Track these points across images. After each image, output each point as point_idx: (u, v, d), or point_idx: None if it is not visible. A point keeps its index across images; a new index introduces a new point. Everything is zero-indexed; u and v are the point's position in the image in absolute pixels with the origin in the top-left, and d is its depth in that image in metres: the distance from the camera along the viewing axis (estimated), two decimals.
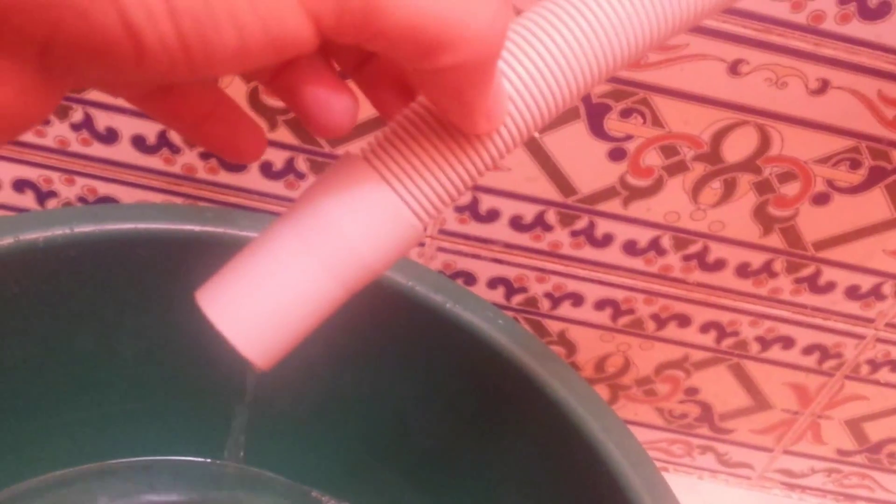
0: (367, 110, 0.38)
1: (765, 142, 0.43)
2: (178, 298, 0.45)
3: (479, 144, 0.21)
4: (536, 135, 0.43)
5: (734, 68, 0.40)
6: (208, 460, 0.52)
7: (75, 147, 0.45)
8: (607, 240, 0.47)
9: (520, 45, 0.20)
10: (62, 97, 0.17)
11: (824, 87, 0.41)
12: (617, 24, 0.21)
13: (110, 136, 0.45)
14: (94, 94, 0.43)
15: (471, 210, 0.47)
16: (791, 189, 0.45)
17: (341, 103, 0.20)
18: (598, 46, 0.21)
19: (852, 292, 0.49)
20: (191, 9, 0.14)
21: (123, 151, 0.45)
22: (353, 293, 0.21)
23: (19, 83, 0.16)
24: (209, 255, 0.44)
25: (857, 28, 0.39)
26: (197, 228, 0.44)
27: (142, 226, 0.43)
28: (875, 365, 0.53)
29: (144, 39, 0.15)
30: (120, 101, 0.43)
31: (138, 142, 0.45)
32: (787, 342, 0.52)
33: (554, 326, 0.52)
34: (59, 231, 0.41)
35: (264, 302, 0.20)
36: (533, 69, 0.20)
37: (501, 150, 0.21)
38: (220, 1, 0.15)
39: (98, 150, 0.45)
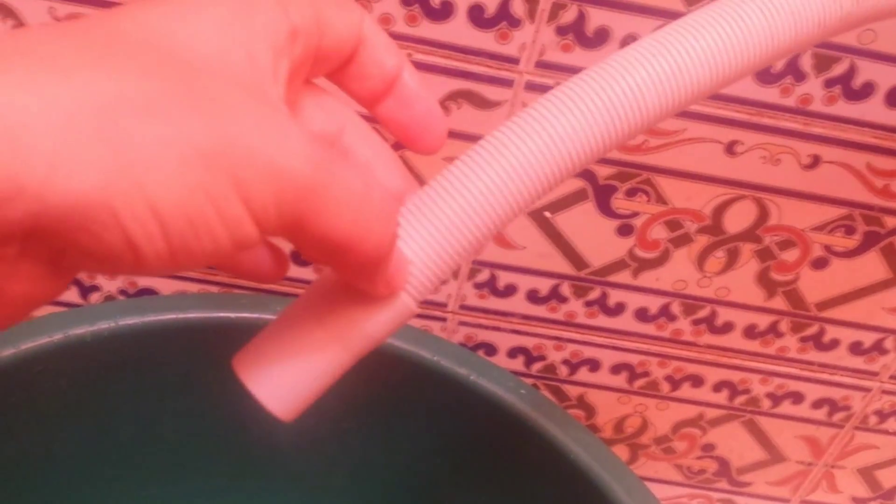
0: None
1: (763, 213, 0.45)
2: (217, 382, 0.48)
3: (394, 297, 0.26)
4: (548, 214, 0.46)
5: (730, 149, 0.43)
6: None
7: None
8: (620, 308, 0.50)
9: (419, 210, 0.25)
10: (69, 282, 0.21)
11: (816, 162, 0.43)
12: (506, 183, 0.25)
13: None
14: None
15: (489, 286, 0.49)
16: (791, 255, 0.47)
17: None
18: (495, 202, 0.25)
19: (856, 348, 0.51)
20: (180, 231, 0.19)
21: None
22: (361, 357, 0.26)
23: (33, 278, 0.20)
24: (246, 340, 0.47)
25: (843, 108, 0.42)
26: (233, 315, 0.46)
27: (181, 315, 0.46)
28: (882, 415, 0.55)
29: (143, 254, 0.19)
30: None
31: None
32: (797, 397, 0.54)
33: (573, 391, 0.55)
34: (104, 325, 0.44)
35: (289, 372, 0.25)
36: (429, 232, 0.25)
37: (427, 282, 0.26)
38: (201, 222, 0.19)
39: None
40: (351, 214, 0.21)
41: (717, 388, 0.54)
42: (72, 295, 0.50)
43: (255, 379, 0.25)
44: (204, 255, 0.19)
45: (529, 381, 0.54)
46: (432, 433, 0.48)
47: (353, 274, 0.23)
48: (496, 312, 0.51)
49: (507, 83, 0.41)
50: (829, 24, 0.27)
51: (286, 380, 0.25)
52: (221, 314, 0.46)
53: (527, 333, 0.52)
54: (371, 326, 0.25)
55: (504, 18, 0.40)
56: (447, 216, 0.24)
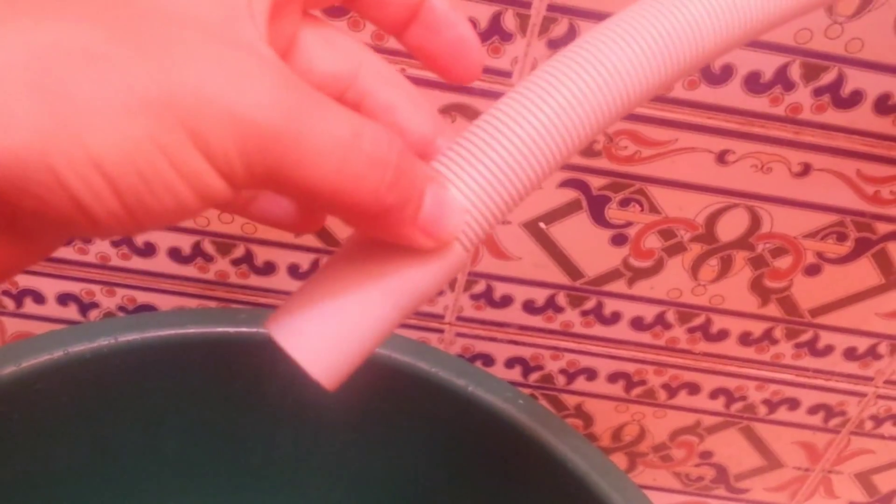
0: None
1: (755, 221, 0.46)
2: (217, 396, 0.49)
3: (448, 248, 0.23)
4: (543, 225, 0.47)
5: (721, 158, 0.44)
6: None
7: (116, 261, 0.48)
8: (615, 317, 0.50)
9: (468, 149, 0.23)
10: (44, 246, 0.20)
11: (807, 170, 0.44)
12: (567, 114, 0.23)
13: (148, 250, 0.48)
14: None
15: (485, 297, 0.50)
16: (784, 262, 0.48)
17: None
18: (549, 140, 0.23)
19: (850, 353, 0.52)
20: (132, 187, 0.17)
21: (160, 263, 0.48)
22: (409, 316, 0.24)
23: None
24: (244, 354, 0.47)
25: (833, 116, 0.42)
26: (231, 330, 0.47)
27: (180, 331, 0.46)
28: (878, 420, 0.55)
29: (95, 214, 0.17)
30: None
31: (174, 253, 0.48)
32: (793, 403, 0.54)
33: (570, 400, 0.55)
34: (104, 342, 0.45)
35: (331, 330, 0.22)
36: (481, 172, 0.23)
37: (469, 245, 0.23)
38: (155, 177, 0.17)
39: (137, 262, 0.48)
40: (334, 164, 0.19)
41: (714, 395, 0.54)
42: (71, 312, 0.51)
43: (295, 341, 0.22)
44: (168, 213, 0.18)
45: (527, 391, 0.54)
46: (431, 444, 0.48)
47: (369, 227, 0.21)
48: (493, 323, 0.51)
49: (499, 96, 0.42)
50: None
51: (329, 341, 0.22)
52: (220, 329, 0.47)
53: (524, 344, 0.52)
54: (420, 278, 0.23)
55: (496, 33, 0.40)
56: (500, 155, 0.22)
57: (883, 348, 0.52)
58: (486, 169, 0.23)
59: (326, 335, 0.22)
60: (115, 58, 0.17)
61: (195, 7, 0.19)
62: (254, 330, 0.47)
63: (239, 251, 0.48)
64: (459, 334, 0.52)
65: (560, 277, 0.49)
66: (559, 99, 0.22)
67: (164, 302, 0.50)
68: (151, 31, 0.18)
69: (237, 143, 0.18)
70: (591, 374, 0.53)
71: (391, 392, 0.48)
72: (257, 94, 0.18)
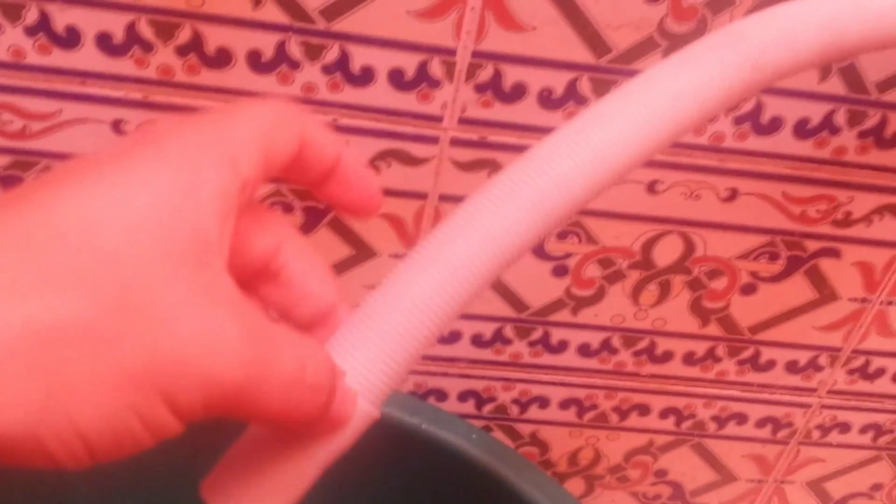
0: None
1: (689, 246, 0.47)
2: (170, 459, 0.49)
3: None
4: None
5: (651, 188, 0.45)
6: None
7: None
8: (562, 346, 0.52)
9: (364, 322, 0.26)
10: None
11: (734, 194, 0.45)
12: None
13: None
14: None
15: None
16: (720, 284, 0.49)
17: None
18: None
19: (792, 367, 0.53)
20: (105, 444, 0.19)
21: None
22: (327, 468, 0.27)
23: None
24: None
25: (755, 142, 0.44)
26: None
27: None
28: (824, 429, 0.57)
29: (63, 464, 0.19)
30: None
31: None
32: (741, 418, 0.56)
33: (525, 429, 0.56)
34: None
35: (256, 490, 0.25)
36: (375, 344, 0.26)
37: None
38: (125, 433, 0.19)
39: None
40: (282, 396, 0.22)
41: (664, 414, 0.55)
42: None
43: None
44: (125, 455, 0.20)
45: (482, 422, 0.55)
46: (386, 483, 0.49)
47: (292, 430, 0.25)
48: (443, 359, 0.52)
49: (432, 140, 0.43)
50: (734, 95, 0.29)
51: (256, 500, 0.25)
52: None
53: (475, 377, 0.53)
54: (335, 441, 0.26)
55: (424, 80, 0.41)
56: (391, 325, 0.25)
57: (823, 360, 0.53)
58: (380, 339, 0.25)
59: (254, 497, 0.25)
60: (108, 334, 0.19)
61: (175, 250, 0.20)
62: None
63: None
64: (411, 371, 0.52)
65: (505, 310, 0.50)
66: (440, 267, 0.25)
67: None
68: (138, 297, 0.19)
69: (204, 398, 0.20)
70: (543, 402, 0.54)
71: None
72: (228, 354, 0.20)
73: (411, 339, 0.25)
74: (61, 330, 0.18)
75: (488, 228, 0.26)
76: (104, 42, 0.39)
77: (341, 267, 0.48)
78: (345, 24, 0.40)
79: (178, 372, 0.19)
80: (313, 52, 0.40)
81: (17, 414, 0.18)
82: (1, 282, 0.18)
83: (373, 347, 0.25)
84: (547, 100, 0.42)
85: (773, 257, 0.48)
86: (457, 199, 0.42)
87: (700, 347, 0.52)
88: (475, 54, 0.41)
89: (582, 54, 0.41)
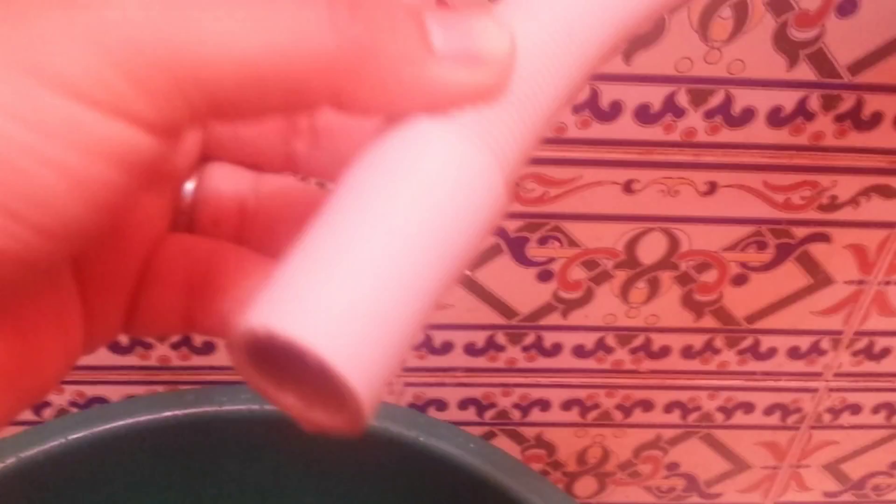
0: None
1: (673, 242, 0.47)
2: (173, 480, 0.50)
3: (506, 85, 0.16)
4: (467, 272, 0.47)
5: (628, 187, 0.44)
6: None
7: None
8: (557, 349, 0.51)
9: None
10: (32, 339, 0.17)
11: (713, 188, 0.45)
12: None
13: None
14: None
15: (426, 346, 0.50)
16: (710, 276, 0.48)
17: None
18: None
19: (794, 353, 0.52)
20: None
21: (102, 356, 0.49)
22: (456, 277, 0.16)
23: None
24: (196, 434, 0.48)
25: (728, 134, 0.43)
26: (180, 412, 0.47)
27: (130, 420, 0.47)
28: (835, 412, 0.56)
29: None
30: None
31: (113, 345, 0.49)
32: (748, 407, 0.55)
33: (529, 432, 0.56)
34: (54, 442, 0.45)
35: (363, 301, 0.14)
36: None
37: (549, 79, 0.17)
38: (14, 152, 0.13)
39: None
40: (258, 11, 0.14)
41: (669, 409, 0.55)
42: (24, 413, 0.52)
43: (295, 320, 0.14)
44: (67, 197, 0.13)
45: (485, 428, 0.55)
46: (389, 499, 0.49)
47: (370, 97, 0.15)
48: (439, 369, 0.52)
49: None
50: None
51: (358, 325, 0.14)
52: (168, 413, 0.47)
53: (473, 385, 0.53)
54: (456, 202, 0.16)
55: None
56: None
57: (826, 343, 0.52)
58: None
59: (357, 318, 0.14)
60: None
61: None
62: (201, 409, 0.47)
63: (175, 335, 0.49)
64: (409, 384, 0.52)
65: (495, 318, 0.50)
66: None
67: (113, 392, 0.51)
68: None
69: (106, 57, 0.13)
70: (544, 405, 0.54)
71: (346, 452, 0.49)
72: (114, 4, 0.13)
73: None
74: None
75: None
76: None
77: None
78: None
79: (38, 33, 0.13)
80: None
81: None
82: None
83: None
84: None
85: (762, 246, 0.47)
86: None
87: (697, 340, 0.51)
88: None
89: None
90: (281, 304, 0.14)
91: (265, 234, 0.21)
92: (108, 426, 0.47)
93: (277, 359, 0.14)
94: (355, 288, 0.14)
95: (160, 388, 0.52)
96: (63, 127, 0.13)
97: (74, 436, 0.46)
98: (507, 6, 0.17)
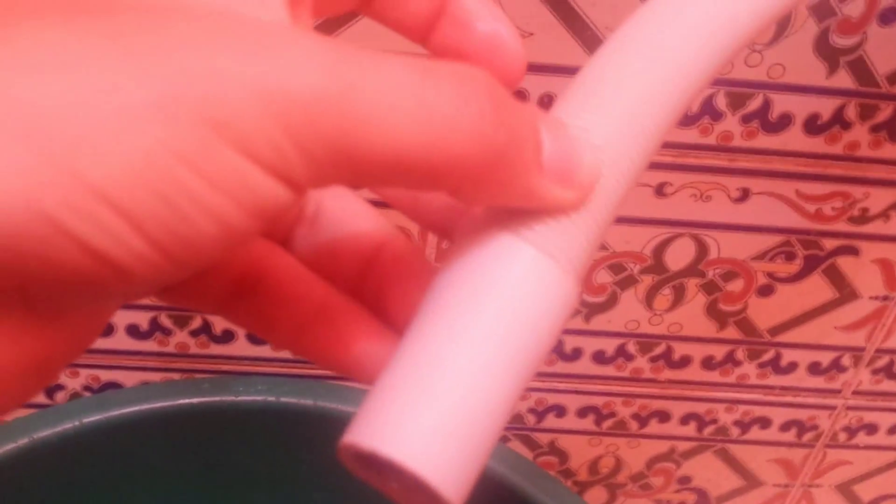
0: None
1: (702, 249, 0.46)
2: (185, 468, 0.49)
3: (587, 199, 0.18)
4: None
5: (660, 190, 0.44)
6: None
7: None
8: (577, 353, 0.51)
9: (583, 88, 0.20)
10: (82, 330, 0.16)
11: (745, 195, 0.44)
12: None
13: (106, 329, 0.48)
14: None
15: None
16: (736, 286, 0.48)
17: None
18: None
19: (815, 368, 0.52)
20: (155, 216, 0.14)
21: (120, 341, 0.49)
22: (530, 378, 0.18)
23: (11, 334, 0.15)
24: (211, 423, 0.47)
25: (764, 140, 0.43)
26: (196, 401, 0.47)
27: (145, 406, 0.46)
28: (851, 431, 0.55)
29: (119, 262, 0.14)
30: None
31: (132, 330, 0.49)
32: (764, 422, 0.55)
33: (543, 438, 0.55)
34: (69, 425, 0.45)
35: (451, 418, 0.17)
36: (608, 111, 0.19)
37: (618, 187, 0.19)
38: (181, 196, 0.14)
39: (97, 342, 0.49)
40: (411, 105, 0.15)
41: (685, 420, 0.54)
42: (37, 396, 0.51)
43: (396, 443, 0.16)
44: (212, 241, 0.14)
45: None
46: None
47: (485, 191, 0.17)
48: None
49: None
50: None
51: (443, 433, 0.16)
52: (184, 401, 0.47)
53: None
54: (531, 311, 0.18)
55: None
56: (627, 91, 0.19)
57: (847, 360, 0.52)
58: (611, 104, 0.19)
59: (446, 433, 0.17)
60: (92, 58, 0.13)
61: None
62: (217, 399, 0.47)
63: (196, 322, 0.49)
64: None
65: None
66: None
67: (128, 378, 0.51)
68: (139, 27, 0.14)
69: (280, 122, 0.14)
70: (560, 411, 0.54)
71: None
72: (290, 61, 0.14)
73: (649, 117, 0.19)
74: (27, 63, 0.13)
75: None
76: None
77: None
78: None
79: (224, 89, 0.13)
80: None
81: (5, 185, 0.12)
82: None
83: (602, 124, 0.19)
84: None
85: (790, 257, 0.47)
86: None
87: (719, 351, 0.51)
88: None
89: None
90: (381, 426, 0.17)
91: (367, 283, 0.21)
92: (122, 411, 0.46)
93: (381, 461, 0.17)
94: (446, 409, 0.17)
95: (176, 376, 0.51)
96: (233, 183, 0.14)
97: (89, 419, 0.45)
98: (580, 99, 0.19)
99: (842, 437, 0.56)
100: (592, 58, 0.21)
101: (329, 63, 0.14)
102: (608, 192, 0.18)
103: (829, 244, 0.47)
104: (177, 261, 0.14)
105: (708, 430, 0.55)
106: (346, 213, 0.21)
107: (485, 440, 0.17)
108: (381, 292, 0.21)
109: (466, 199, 0.18)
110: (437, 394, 0.17)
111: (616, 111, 0.19)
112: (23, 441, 0.44)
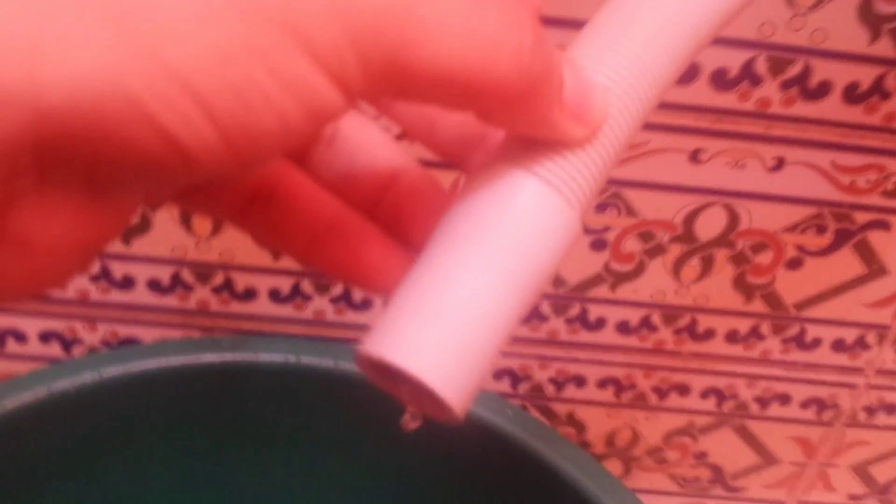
0: None
1: (733, 218, 0.46)
2: (203, 426, 0.48)
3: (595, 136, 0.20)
4: None
5: (694, 156, 0.44)
6: None
7: (95, 296, 0.48)
8: (601, 323, 0.50)
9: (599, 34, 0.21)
10: (125, 212, 0.17)
11: (780, 164, 0.44)
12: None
13: (127, 283, 0.48)
14: (110, 247, 0.46)
15: None
16: (765, 258, 0.48)
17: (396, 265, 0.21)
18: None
19: (839, 345, 0.52)
20: (228, 107, 0.14)
21: (140, 295, 0.48)
22: (532, 304, 0.20)
23: (70, 213, 0.16)
24: (230, 382, 0.47)
25: (802, 108, 0.42)
26: (215, 359, 0.46)
27: (164, 362, 0.46)
28: (871, 411, 0.55)
29: (188, 148, 0.15)
30: (134, 250, 0.46)
31: (154, 285, 0.48)
32: (785, 399, 0.54)
33: (561, 409, 0.55)
34: (88, 378, 0.44)
35: (455, 335, 0.18)
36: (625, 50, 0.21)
37: (623, 127, 0.20)
38: (252, 91, 0.15)
39: (116, 296, 0.48)
40: (461, 28, 0.16)
41: (705, 395, 0.54)
42: (54, 350, 0.50)
43: (419, 360, 0.18)
44: (270, 138, 0.15)
45: (517, 401, 0.54)
46: (423, 461, 0.48)
47: (511, 117, 0.18)
48: None
49: None
50: None
51: (458, 353, 0.18)
52: (203, 359, 0.46)
53: (511, 354, 0.52)
54: (534, 241, 0.19)
55: None
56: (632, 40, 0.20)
57: (871, 338, 0.52)
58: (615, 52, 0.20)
59: (448, 341, 0.18)
60: None
61: None
62: (237, 358, 0.46)
63: (218, 279, 0.48)
64: None
65: None
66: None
67: (147, 334, 0.50)
68: None
69: (346, 31, 0.15)
70: (580, 382, 0.53)
71: (380, 411, 0.48)
72: None
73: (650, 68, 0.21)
74: None
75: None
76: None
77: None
78: None
79: None
80: None
81: (93, 59, 0.13)
82: None
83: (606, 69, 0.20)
84: None
85: (821, 230, 0.47)
86: None
87: (743, 325, 0.51)
88: None
89: None
90: (393, 338, 0.19)
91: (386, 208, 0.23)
92: (142, 366, 0.45)
93: (393, 369, 0.18)
94: (450, 324, 0.18)
95: (195, 334, 0.50)
96: (298, 84, 0.15)
97: (108, 373, 0.45)
98: (592, 46, 0.21)
99: (862, 416, 0.55)
100: (605, 4, 0.22)
101: None
102: (615, 131, 0.20)
103: (861, 218, 0.46)
104: (238, 154, 0.15)
105: (727, 406, 0.55)
106: (364, 139, 0.22)
107: (485, 355, 0.19)
108: (396, 217, 0.22)
109: (493, 121, 0.19)
110: (442, 311, 0.18)
111: (624, 55, 0.20)
112: (41, 392, 0.44)
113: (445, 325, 0.18)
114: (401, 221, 0.22)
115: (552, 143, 0.19)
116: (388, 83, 0.16)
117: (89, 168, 0.15)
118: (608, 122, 0.20)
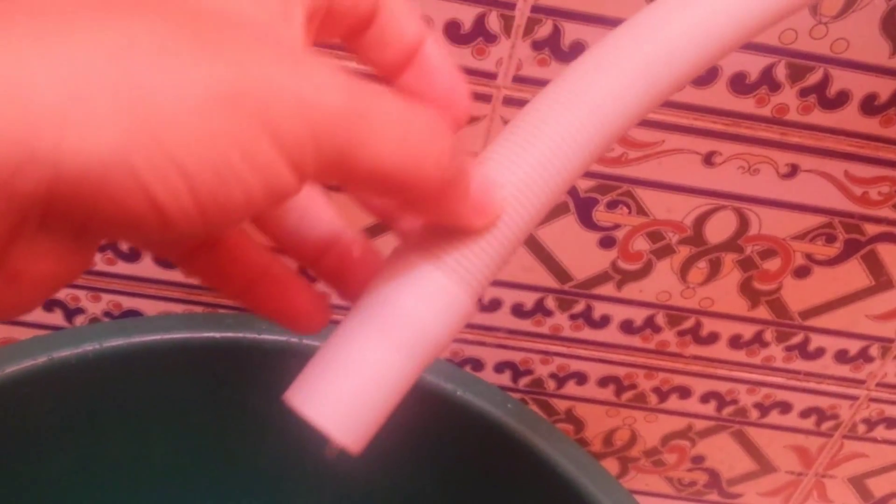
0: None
1: (743, 223, 0.46)
2: (202, 402, 0.48)
3: (493, 226, 0.24)
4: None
5: (708, 159, 0.43)
6: None
7: (101, 266, 0.48)
8: (605, 321, 0.50)
9: (508, 141, 0.24)
10: (93, 255, 0.20)
11: (794, 171, 0.44)
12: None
13: (133, 255, 0.48)
14: None
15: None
16: (773, 264, 0.47)
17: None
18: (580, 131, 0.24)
19: (841, 356, 0.52)
20: (206, 181, 0.17)
21: (146, 268, 0.48)
22: (426, 367, 0.24)
23: (57, 255, 0.18)
24: (230, 359, 0.47)
25: (819, 117, 0.42)
26: (217, 335, 0.46)
27: (166, 336, 0.46)
28: (871, 423, 0.55)
29: (169, 213, 0.17)
30: None
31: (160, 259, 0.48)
32: (785, 407, 0.54)
33: (561, 405, 0.55)
34: (89, 347, 0.44)
35: (352, 393, 0.23)
36: (521, 157, 0.24)
37: (522, 217, 0.24)
38: (228, 170, 0.17)
39: (122, 267, 0.48)
40: (397, 137, 0.19)
41: (705, 399, 0.54)
42: (56, 318, 0.50)
43: (319, 412, 0.22)
44: (235, 210, 0.18)
45: (517, 395, 0.54)
46: (419, 450, 0.48)
47: (428, 209, 0.22)
48: (481, 327, 0.51)
49: (485, 98, 0.42)
50: None
51: (354, 408, 0.23)
52: (206, 334, 0.46)
53: (513, 348, 0.52)
54: (433, 328, 0.23)
55: (480, 34, 0.40)
56: (533, 153, 0.24)
57: (874, 350, 0.51)
58: (519, 159, 0.24)
59: (351, 402, 0.23)
60: (187, 55, 0.17)
61: (239, 9, 0.19)
62: (239, 335, 0.46)
63: None
64: None
65: (548, 281, 0.49)
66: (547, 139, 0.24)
67: (150, 307, 0.50)
68: (212, 30, 0.18)
69: (309, 128, 0.18)
70: (581, 379, 0.53)
71: None
72: (322, 80, 0.18)
73: (549, 174, 0.24)
74: (140, 50, 0.17)
75: (594, 97, 0.24)
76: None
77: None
78: None
79: (272, 96, 0.18)
80: None
81: (107, 136, 0.16)
82: (66, 10, 0.17)
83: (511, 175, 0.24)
84: None
85: (830, 239, 0.47)
86: None
87: (747, 330, 0.51)
88: (534, 9, 0.39)
89: None
90: (302, 391, 0.23)
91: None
92: (144, 338, 0.45)
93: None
94: (351, 385, 0.22)
95: (199, 310, 0.50)
96: (265, 168, 0.18)
97: (110, 343, 0.45)
98: (499, 151, 0.24)
99: (861, 428, 0.55)
100: (526, 106, 0.25)
101: (348, 88, 0.19)
102: (514, 219, 0.23)
103: (871, 229, 0.46)
104: (208, 220, 0.18)
105: (727, 411, 0.54)
106: (311, 204, 0.26)
107: (378, 409, 0.23)
108: (336, 272, 0.26)
109: (413, 211, 0.24)
110: (345, 373, 0.23)
111: (525, 159, 0.24)
112: (41, 359, 0.44)
113: (345, 385, 0.22)
114: (339, 277, 0.26)
115: (458, 232, 0.23)
116: (336, 173, 0.19)
117: (84, 221, 0.17)
118: (506, 214, 0.23)
